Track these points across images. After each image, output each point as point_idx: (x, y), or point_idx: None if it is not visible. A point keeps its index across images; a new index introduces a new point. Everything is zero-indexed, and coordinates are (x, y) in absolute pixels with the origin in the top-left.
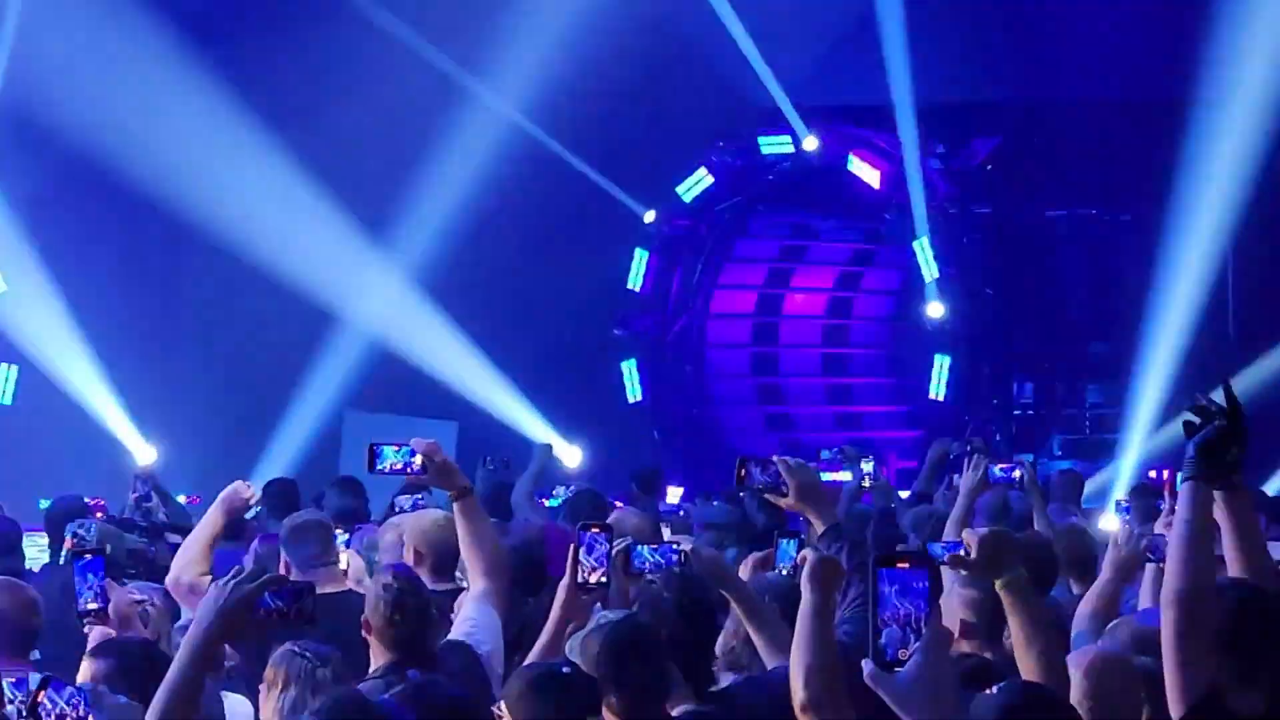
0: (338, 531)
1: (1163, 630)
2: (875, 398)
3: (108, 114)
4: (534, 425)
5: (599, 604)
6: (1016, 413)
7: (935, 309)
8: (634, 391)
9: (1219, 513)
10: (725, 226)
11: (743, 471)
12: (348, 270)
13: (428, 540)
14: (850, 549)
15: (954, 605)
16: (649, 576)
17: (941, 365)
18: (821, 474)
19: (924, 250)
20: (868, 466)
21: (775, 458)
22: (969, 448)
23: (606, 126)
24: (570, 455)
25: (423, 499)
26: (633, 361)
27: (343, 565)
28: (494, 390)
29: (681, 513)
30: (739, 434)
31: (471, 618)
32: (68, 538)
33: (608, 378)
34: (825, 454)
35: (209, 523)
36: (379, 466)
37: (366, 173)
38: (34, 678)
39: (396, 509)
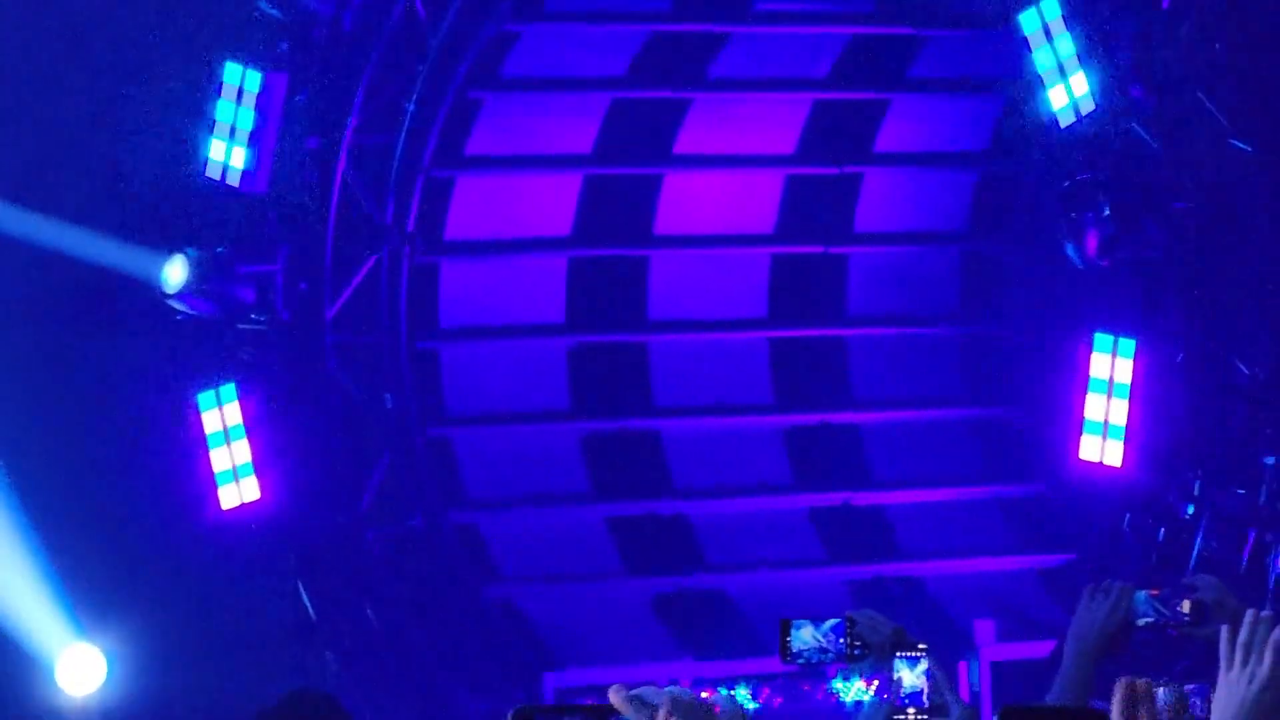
0: None
1: None
2: (920, 456)
3: None
4: None
5: None
6: None
7: None
8: (234, 478)
9: None
10: (475, 14)
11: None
12: None
13: None
14: None
15: None
16: None
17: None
18: None
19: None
20: (914, 672)
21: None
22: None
23: None
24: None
25: None
26: (231, 387)
27: None
28: None
29: None
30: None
31: None
32: None
33: (156, 441)
34: (810, 637)
35: None
36: None
37: None
38: None
39: None
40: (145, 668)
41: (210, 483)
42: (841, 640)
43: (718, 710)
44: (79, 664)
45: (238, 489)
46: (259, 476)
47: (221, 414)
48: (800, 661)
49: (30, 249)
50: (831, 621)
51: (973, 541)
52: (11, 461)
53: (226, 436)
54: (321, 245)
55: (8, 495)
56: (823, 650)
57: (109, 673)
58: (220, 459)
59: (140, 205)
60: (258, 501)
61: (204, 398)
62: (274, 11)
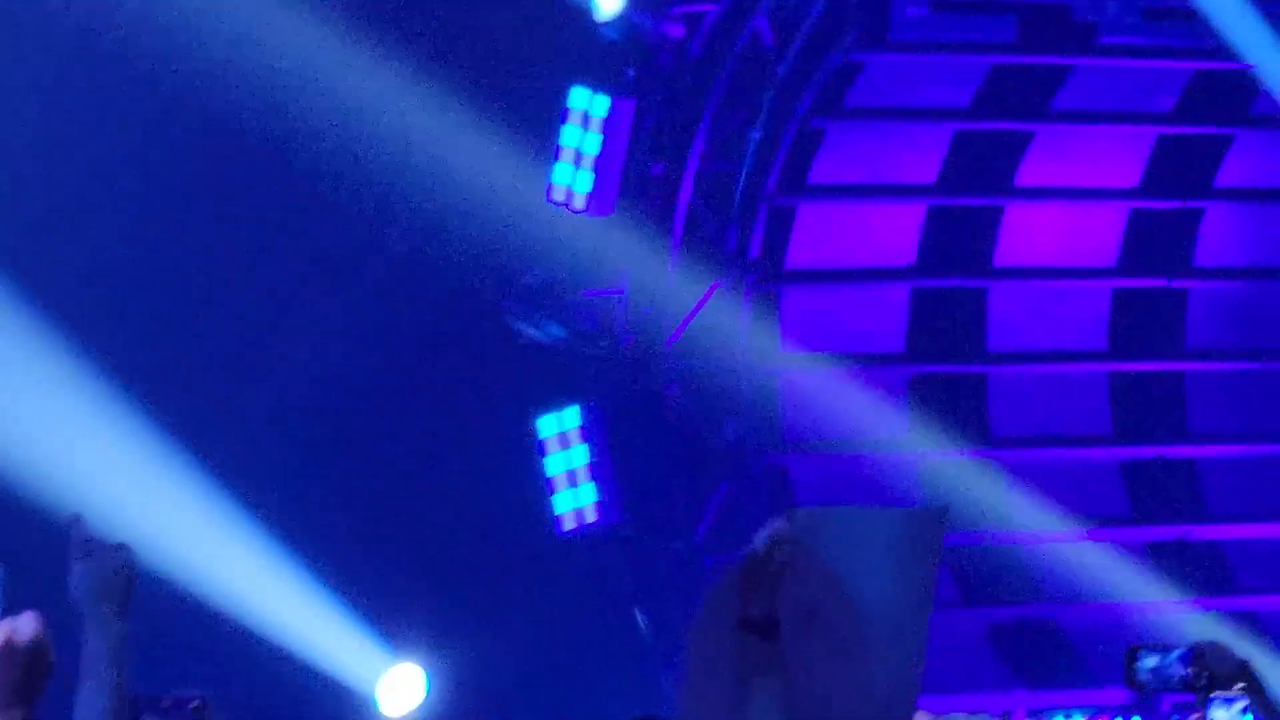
0: None
1: None
2: (1257, 491)
3: None
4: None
5: None
6: None
7: None
8: (574, 500)
9: None
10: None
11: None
12: None
13: None
14: None
15: None
16: None
17: None
18: None
19: None
20: (1229, 713)
21: None
22: None
23: None
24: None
25: None
26: (574, 411)
27: None
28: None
29: None
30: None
31: None
32: None
33: (498, 462)
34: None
35: None
36: None
37: None
38: None
39: None
40: (475, 688)
41: (549, 504)
42: (1188, 669)
43: None
44: (400, 684)
45: (576, 511)
46: (598, 500)
47: (563, 437)
48: (1146, 689)
49: (383, 269)
50: (1179, 650)
51: None
52: (351, 478)
53: (567, 459)
54: (664, 271)
55: (344, 513)
56: (1168, 678)
57: (428, 692)
58: (560, 481)
59: (486, 229)
60: (595, 524)
61: (545, 421)
62: (621, 38)
